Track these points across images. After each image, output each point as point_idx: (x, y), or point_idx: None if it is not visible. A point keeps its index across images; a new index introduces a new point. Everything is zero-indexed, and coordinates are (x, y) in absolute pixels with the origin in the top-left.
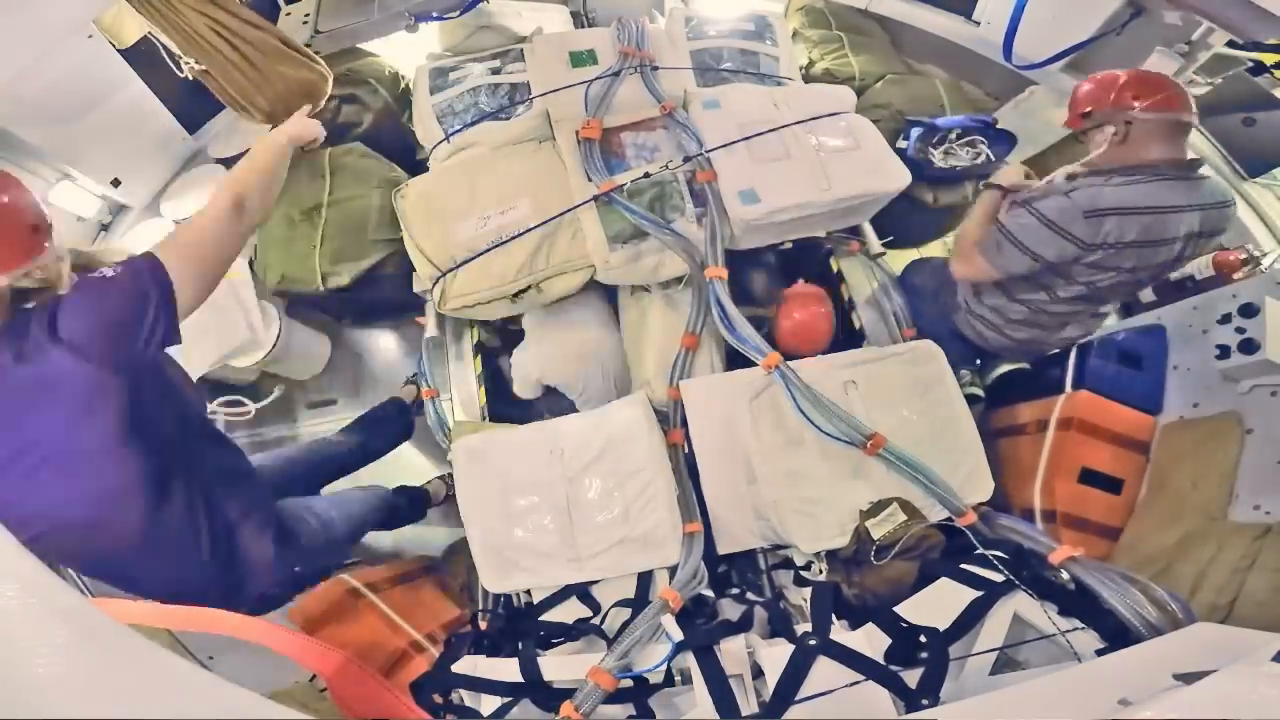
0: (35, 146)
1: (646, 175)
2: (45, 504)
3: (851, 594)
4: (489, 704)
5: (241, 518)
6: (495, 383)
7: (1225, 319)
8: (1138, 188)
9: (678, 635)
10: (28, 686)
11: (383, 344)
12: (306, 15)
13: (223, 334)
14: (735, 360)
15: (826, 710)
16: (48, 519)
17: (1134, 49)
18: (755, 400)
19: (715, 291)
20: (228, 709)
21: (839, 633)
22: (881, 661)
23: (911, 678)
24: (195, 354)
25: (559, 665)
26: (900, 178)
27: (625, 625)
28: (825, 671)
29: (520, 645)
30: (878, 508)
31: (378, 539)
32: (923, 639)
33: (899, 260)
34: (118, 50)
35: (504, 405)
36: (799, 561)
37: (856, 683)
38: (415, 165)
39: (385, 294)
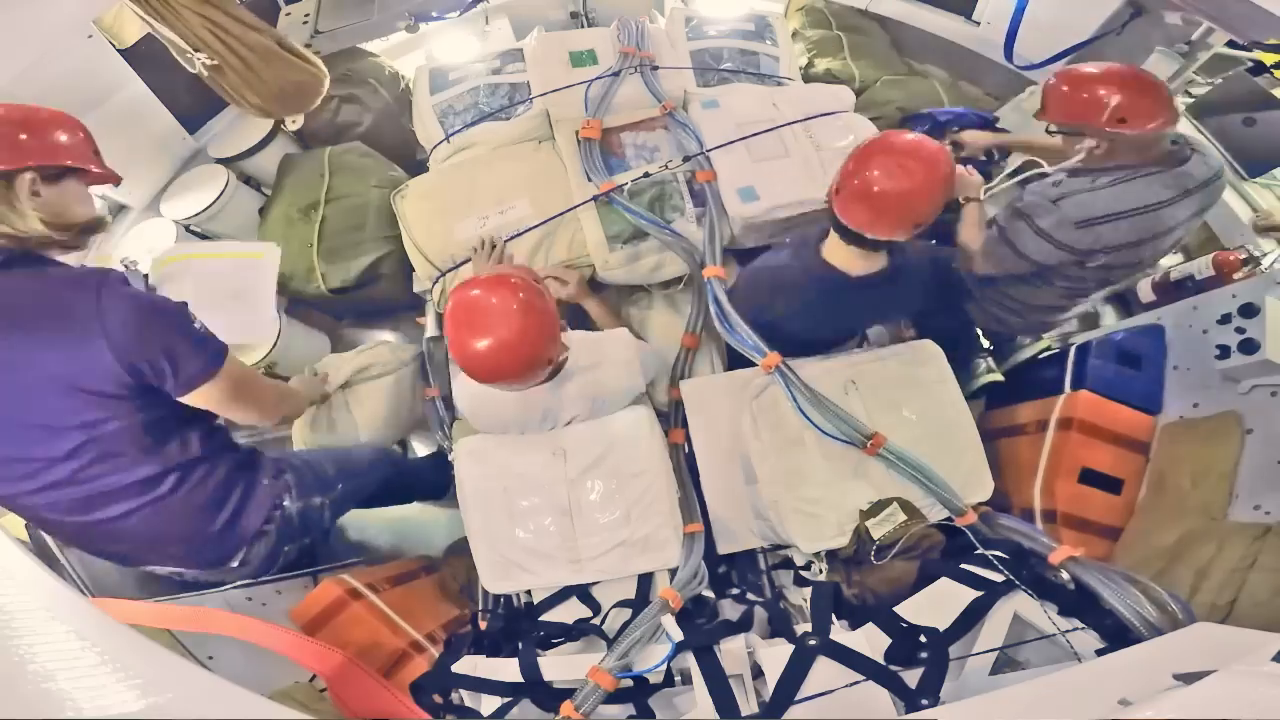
0: None
1: (646, 175)
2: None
3: (851, 594)
4: (489, 704)
5: (229, 452)
6: None
7: (1225, 319)
8: (1127, 187)
9: (678, 635)
10: (28, 686)
11: None
12: (306, 15)
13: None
14: (735, 360)
15: (826, 710)
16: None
17: (1134, 49)
18: (755, 400)
19: (713, 291)
20: (228, 709)
21: (839, 633)
22: (881, 661)
23: (911, 678)
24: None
25: (559, 665)
26: None
27: (625, 625)
28: (825, 671)
29: (520, 645)
30: (878, 507)
31: (378, 539)
32: (923, 639)
33: None
34: (118, 50)
35: None
36: (799, 561)
37: (856, 683)
38: (415, 165)
39: (385, 294)
